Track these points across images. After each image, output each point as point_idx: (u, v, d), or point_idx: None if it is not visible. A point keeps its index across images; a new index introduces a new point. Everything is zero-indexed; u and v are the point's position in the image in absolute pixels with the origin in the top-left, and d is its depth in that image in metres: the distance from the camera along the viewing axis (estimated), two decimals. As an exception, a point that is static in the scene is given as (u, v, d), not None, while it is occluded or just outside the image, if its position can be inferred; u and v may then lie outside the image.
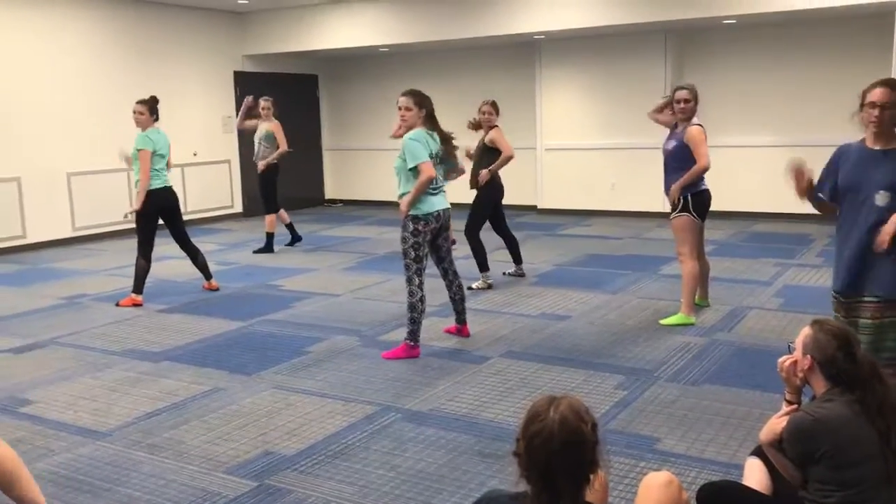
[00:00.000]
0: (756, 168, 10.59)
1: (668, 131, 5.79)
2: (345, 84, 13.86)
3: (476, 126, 7.14)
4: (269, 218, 9.08)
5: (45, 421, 4.22)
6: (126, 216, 6.70)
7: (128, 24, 10.69)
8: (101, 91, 10.41)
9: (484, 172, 6.93)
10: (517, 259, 7.41)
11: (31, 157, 9.66)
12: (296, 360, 5.14)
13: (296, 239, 9.48)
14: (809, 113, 10.23)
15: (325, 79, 13.85)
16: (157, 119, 6.85)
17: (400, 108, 5.08)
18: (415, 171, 4.94)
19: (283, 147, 8.96)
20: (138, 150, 6.68)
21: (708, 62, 10.82)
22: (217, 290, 7.17)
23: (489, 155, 7.01)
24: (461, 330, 5.52)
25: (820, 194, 3.54)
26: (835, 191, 3.48)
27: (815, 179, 3.51)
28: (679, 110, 5.58)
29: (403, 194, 5.03)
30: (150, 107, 6.79)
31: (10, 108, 9.44)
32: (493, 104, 7.13)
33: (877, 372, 2.48)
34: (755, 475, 2.73)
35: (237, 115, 12.11)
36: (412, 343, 5.13)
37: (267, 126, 9.03)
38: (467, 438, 3.83)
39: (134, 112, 6.78)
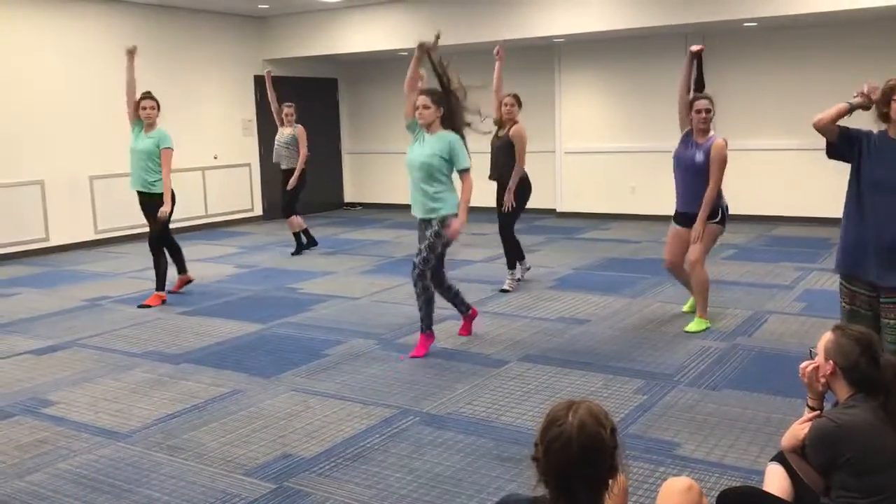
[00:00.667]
0: (777, 171, 10.51)
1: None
2: (364, 88, 13.90)
3: (500, 122, 7.13)
4: (291, 220, 9.13)
5: (66, 422, 4.26)
6: (162, 215, 6.82)
7: (150, 29, 10.78)
8: (121, 95, 10.44)
9: (508, 197, 6.91)
10: (511, 264, 7.22)
11: (54, 161, 9.77)
12: (314, 362, 5.15)
13: (301, 247, 9.33)
14: (831, 116, 10.13)
15: (345, 83, 13.90)
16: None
17: (417, 107, 5.10)
18: (451, 170, 5.11)
19: (304, 152, 9.01)
20: (165, 149, 6.74)
21: (728, 65, 10.74)
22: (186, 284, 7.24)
23: (512, 150, 6.93)
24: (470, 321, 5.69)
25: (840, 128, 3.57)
26: (847, 144, 3.55)
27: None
28: (701, 120, 5.45)
29: (439, 192, 5.10)
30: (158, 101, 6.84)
31: (33, 112, 9.55)
32: (516, 97, 7.13)
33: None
34: (776, 481, 2.70)
35: (257, 119, 12.25)
36: (430, 331, 5.24)
37: (290, 131, 9.10)
38: (485, 442, 3.82)
39: (146, 108, 6.79)
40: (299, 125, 9.17)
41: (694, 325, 5.61)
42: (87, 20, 10.10)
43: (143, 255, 9.36)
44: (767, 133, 10.62)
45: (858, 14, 9.14)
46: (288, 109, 9.17)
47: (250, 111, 12.25)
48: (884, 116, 3.32)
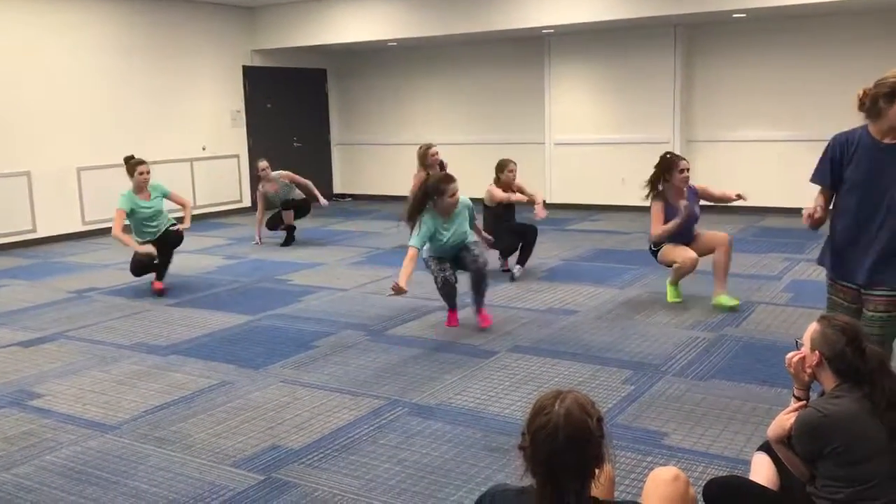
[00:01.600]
0: (765, 163, 10.54)
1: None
2: (353, 78, 13.85)
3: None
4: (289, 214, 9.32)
5: (53, 414, 4.24)
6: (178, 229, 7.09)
7: (137, 20, 10.70)
8: (109, 86, 10.44)
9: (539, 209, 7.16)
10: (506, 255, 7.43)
11: (40, 152, 9.70)
12: (303, 354, 5.15)
13: (290, 240, 9.38)
14: (819, 107, 10.16)
15: (334, 73, 13.85)
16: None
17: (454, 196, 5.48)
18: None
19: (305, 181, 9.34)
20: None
21: (718, 56, 10.76)
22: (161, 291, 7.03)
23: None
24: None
25: (815, 183, 3.49)
26: (837, 181, 3.40)
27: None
28: (685, 179, 5.94)
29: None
30: None
31: (19, 104, 9.47)
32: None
33: (886, 367, 2.47)
34: (762, 470, 2.72)
35: (245, 109, 12.19)
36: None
37: (276, 182, 9.23)
38: (474, 433, 3.83)
39: (145, 172, 6.96)
40: (281, 172, 9.34)
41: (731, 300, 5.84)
42: (75, 12, 10.01)
43: (129, 248, 9.30)
44: (755, 124, 10.65)
45: (848, 4, 9.16)
46: (262, 164, 9.28)
47: (239, 102, 12.19)
48: (876, 113, 3.24)
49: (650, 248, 6.17)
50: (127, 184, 7.11)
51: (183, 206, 7.37)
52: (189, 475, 3.47)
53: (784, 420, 2.55)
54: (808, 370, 2.56)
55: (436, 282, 5.59)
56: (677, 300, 6.12)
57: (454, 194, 5.44)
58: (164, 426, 4.02)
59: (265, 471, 3.50)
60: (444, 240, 5.52)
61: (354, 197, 13.92)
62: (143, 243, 6.93)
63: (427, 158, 7.95)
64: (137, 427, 4.03)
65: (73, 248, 9.44)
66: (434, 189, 5.43)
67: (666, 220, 5.88)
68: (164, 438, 3.87)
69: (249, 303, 6.53)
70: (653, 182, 6.00)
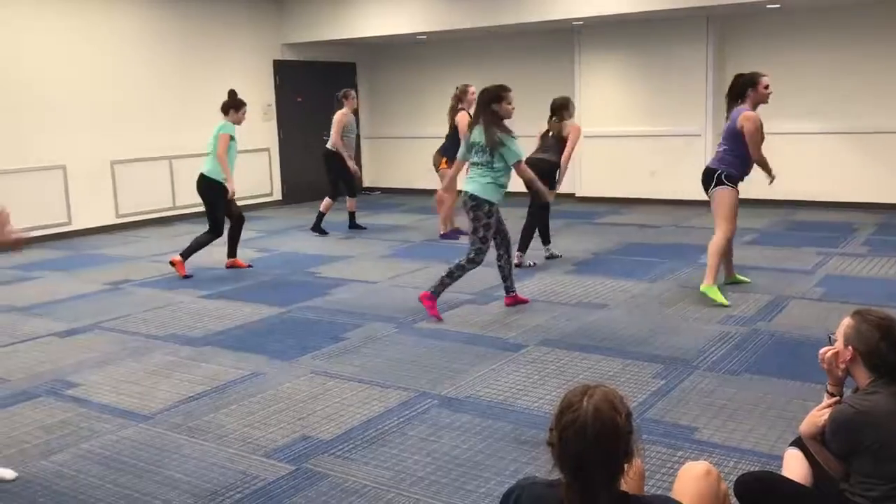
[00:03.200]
0: (799, 156, 10.39)
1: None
2: (382, 72, 13.87)
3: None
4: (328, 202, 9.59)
5: (89, 403, 4.32)
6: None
7: (169, 15, 10.82)
8: (143, 80, 10.56)
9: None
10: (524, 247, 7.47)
11: (76, 146, 9.85)
12: (333, 346, 5.18)
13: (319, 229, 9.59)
14: (853, 99, 10.01)
15: (363, 67, 13.88)
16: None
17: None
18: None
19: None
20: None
21: (750, 47, 10.62)
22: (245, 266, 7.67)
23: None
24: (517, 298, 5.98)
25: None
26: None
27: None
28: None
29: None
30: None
31: (56, 98, 9.62)
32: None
33: None
34: (795, 466, 2.69)
35: (276, 104, 12.28)
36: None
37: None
38: (503, 425, 3.83)
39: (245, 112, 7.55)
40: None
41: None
42: (109, 9, 10.13)
43: (162, 240, 9.46)
44: (789, 116, 10.49)
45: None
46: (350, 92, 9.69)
47: (269, 96, 12.27)
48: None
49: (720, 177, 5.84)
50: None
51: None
52: (221, 465, 3.52)
53: (817, 416, 2.52)
54: (842, 366, 2.52)
55: (476, 251, 5.60)
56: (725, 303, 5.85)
57: (511, 102, 5.53)
58: (197, 416, 4.08)
59: (296, 461, 3.53)
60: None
61: (383, 190, 13.96)
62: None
63: (466, 96, 8.38)
64: (171, 417, 4.09)
65: (107, 241, 9.58)
66: (494, 96, 5.50)
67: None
68: (196, 428, 3.93)
69: (280, 295, 6.58)
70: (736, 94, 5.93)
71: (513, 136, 5.52)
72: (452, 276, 5.65)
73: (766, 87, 5.88)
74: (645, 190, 11.30)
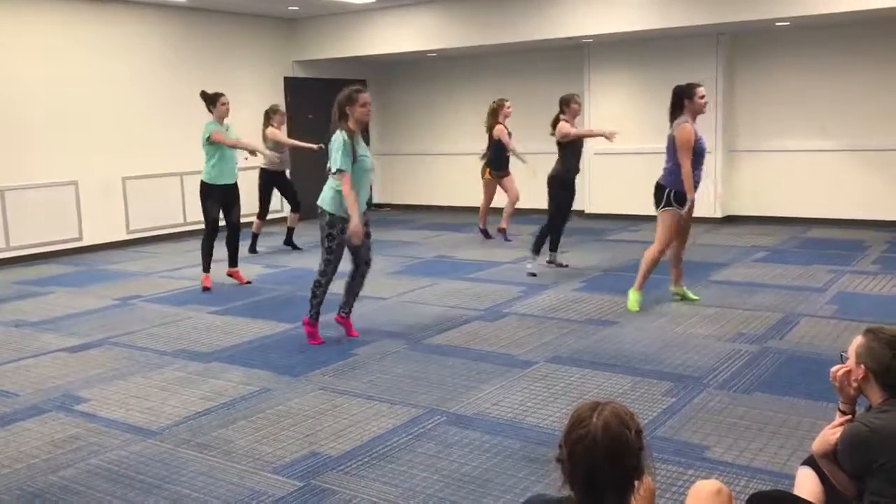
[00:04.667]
0: (809, 173, 10.38)
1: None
2: (393, 89, 13.94)
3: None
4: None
5: (98, 418, 4.32)
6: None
7: (181, 31, 10.92)
8: (154, 97, 10.65)
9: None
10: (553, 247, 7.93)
11: (87, 162, 9.92)
12: (342, 362, 5.18)
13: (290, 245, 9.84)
14: (864, 117, 9.99)
15: (374, 84, 13.94)
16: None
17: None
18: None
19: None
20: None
21: (760, 65, 10.63)
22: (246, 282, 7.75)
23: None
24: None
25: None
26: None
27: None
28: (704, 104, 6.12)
29: None
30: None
31: (67, 114, 9.70)
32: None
33: None
34: (807, 485, 2.66)
35: (289, 120, 12.36)
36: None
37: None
38: (512, 443, 3.81)
39: (226, 103, 7.59)
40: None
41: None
42: (120, 23, 10.24)
43: (173, 255, 9.49)
44: (800, 134, 10.49)
45: (893, 13, 8.98)
46: (283, 110, 9.77)
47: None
48: None
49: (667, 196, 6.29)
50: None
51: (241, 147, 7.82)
52: (229, 481, 3.51)
53: (829, 435, 2.49)
54: (854, 384, 2.50)
55: (325, 268, 5.42)
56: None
57: (366, 104, 5.24)
58: (206, 432, 4.07)
59: (304, 477, 3.52)
60: (368, 166, 5.35)
61: (393, 206, 13.99)
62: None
63: (502, 111, 9.07)
64: (179, 432, 4.08)
65: (117, 256, 9.62)
66: (347, 99, 5.25)
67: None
68: (205, 444, 3.92)
69: (289, 311, 6.58)
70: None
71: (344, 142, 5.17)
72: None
73: (702, 97, 6.04)
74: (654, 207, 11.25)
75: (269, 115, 9.49)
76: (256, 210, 9.69)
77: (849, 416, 2.55)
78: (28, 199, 9.29)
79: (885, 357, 2.40)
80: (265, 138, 9.37)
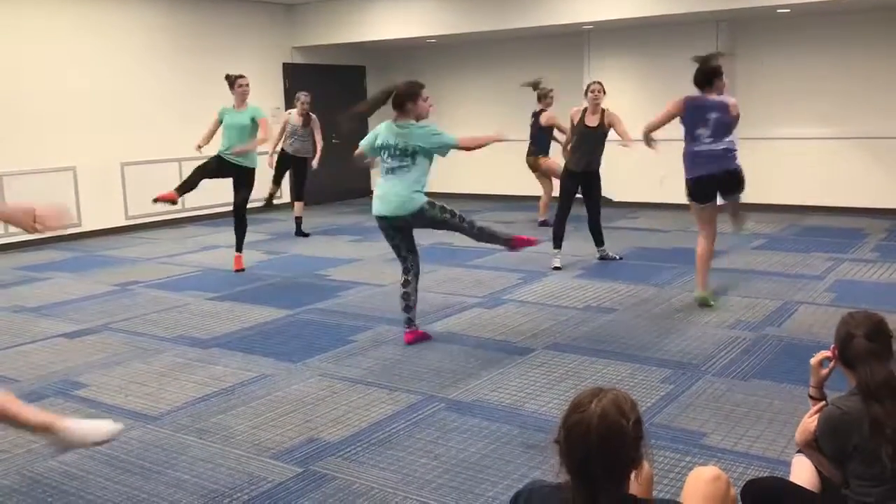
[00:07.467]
0: (808, 160, 10.36)
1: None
2: (392, 75, 13.82)
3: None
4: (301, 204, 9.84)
5: (98, 404, 4.33)
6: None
7: (179, 17, 10.86)
8: (153, 83, 10.61)
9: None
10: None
11: (86, 148, 9.89)
12: (341, 348, 5.19)
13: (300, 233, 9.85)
14: (863, 104, 9.97)
15: (373, 70, 13.90)
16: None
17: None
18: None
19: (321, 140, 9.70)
20: (262, 118, 7.63)
21: (760, 51, 10.59)
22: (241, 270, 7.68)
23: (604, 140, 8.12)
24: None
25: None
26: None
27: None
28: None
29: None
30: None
31: (66, 100, 9.67)
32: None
33: (873, 351, 2.38)
34: (803, 472, 2.68)
35: (286, 107, 12.33)
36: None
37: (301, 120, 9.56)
38: (510, 429, 3.82)
39: (244, 84, 7.59)
40: (313, 115, 9.53)
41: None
42: (120, 8, 10.19)
43: (172, 241, 9.49)
44: (800, 121, 10.47)
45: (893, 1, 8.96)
46: (305, 98, 9.45)
47: (279, 99, 12.29)
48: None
49: None
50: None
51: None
52: (229, 466, 3.52)
53: (808, 423, 2.51)
54: (828, 367, 2.60)
55: (467, 225, 5.25)
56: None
57: (428, 98, 5.43)
58: (205, 418, 4.08)
59: (303, 463, 3.53)
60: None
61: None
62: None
63: (548, 97, 9.48)
64: (178, 418, 4.09)
65: (116, 242, 9.61)
66: (409, 93, 5.48)
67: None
68: (204, 430, 3.93)
69: (289, 297, 6.59)
70: None
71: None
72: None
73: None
74: (654, 194, 11.26)
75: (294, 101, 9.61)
76: (262, 202, 9.82)
77: (823, 403, 2.57)
78: (26, 184, 9.26)
79: (840, 334, 2.46)
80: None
